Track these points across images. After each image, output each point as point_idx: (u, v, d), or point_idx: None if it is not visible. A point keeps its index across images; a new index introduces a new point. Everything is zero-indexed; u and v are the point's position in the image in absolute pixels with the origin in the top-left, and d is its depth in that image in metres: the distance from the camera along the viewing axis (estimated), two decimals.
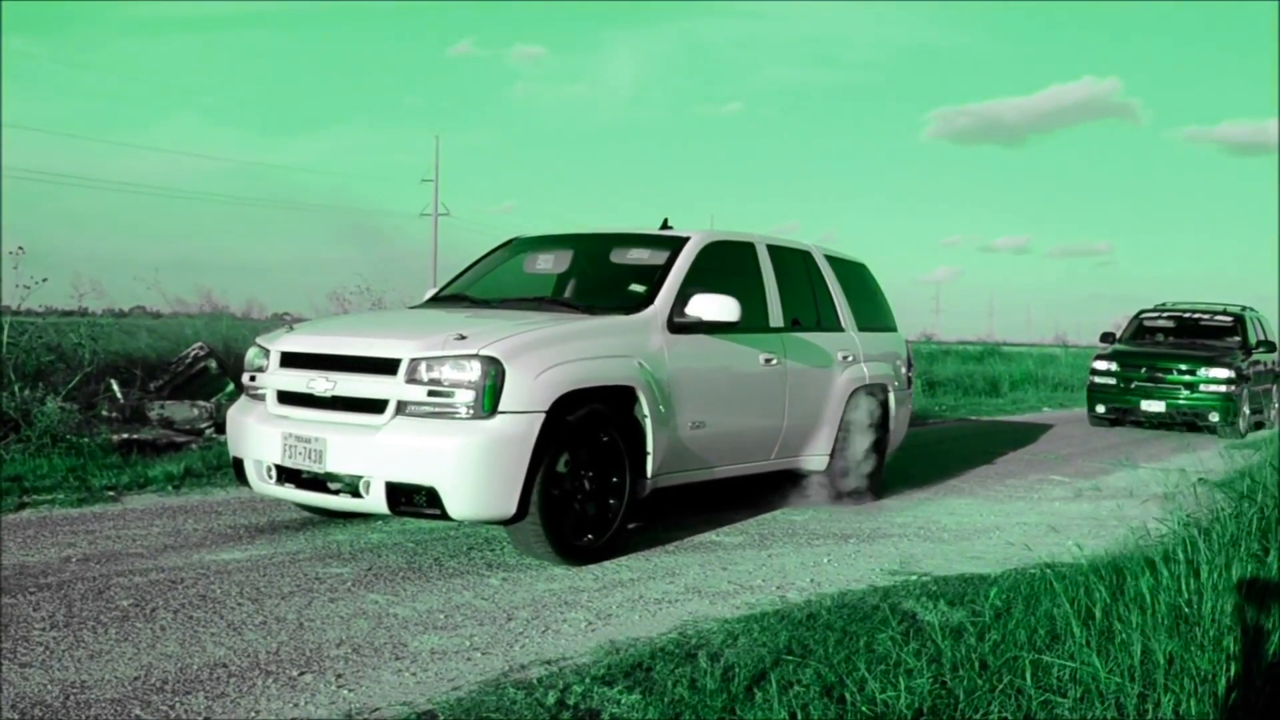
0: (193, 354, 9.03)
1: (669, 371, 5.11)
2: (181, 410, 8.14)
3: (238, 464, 4.94)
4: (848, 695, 2.89)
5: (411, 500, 4.32)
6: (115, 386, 8.28)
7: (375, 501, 4.37)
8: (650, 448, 4.96)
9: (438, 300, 6.10)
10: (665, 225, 6.19)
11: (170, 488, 6.20)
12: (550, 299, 5.73)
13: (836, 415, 6.46)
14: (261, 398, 4.89)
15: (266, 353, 4.92)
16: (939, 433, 12.23)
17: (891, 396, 7.05)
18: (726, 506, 6.32)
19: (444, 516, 4.31)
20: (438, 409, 4.34)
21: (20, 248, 8.84)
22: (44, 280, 8.94)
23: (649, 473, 4.99)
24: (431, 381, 4.35)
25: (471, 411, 4.30)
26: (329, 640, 3.49)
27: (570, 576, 4.50)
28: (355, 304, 12.44)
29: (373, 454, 4.32)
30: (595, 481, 4.76)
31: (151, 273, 15.23)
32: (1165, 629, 3.27)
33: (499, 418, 4.30)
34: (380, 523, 5.38)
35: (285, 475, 4.66)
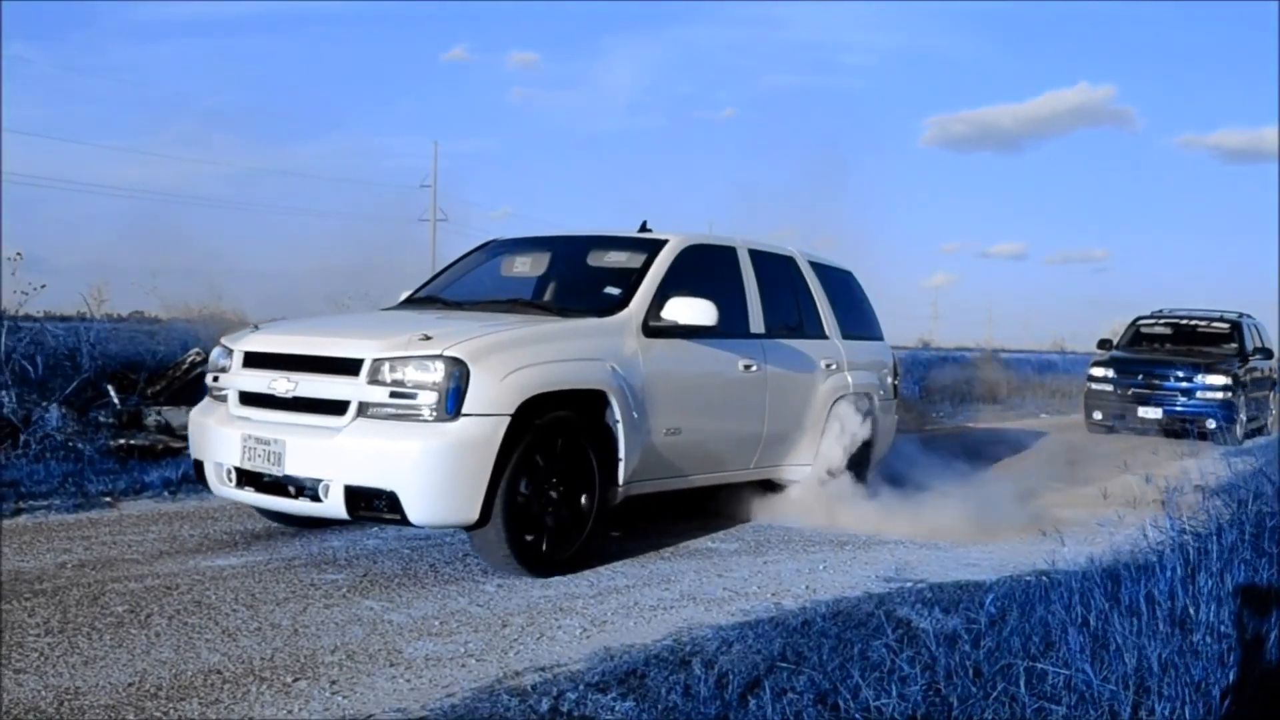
0: (190, 359, 9.04)
1: (643, 376, 4.98)
2: (179, 416, 8.13)
3: (198, 466, 4.81)
4: (841, 702, 2.89)
5: (371, 505, 4.18)
6: (113, 392, 8.27)
7: (334, 506, 4.23)
8: (622, 454, 4.82)
9: (410, 302, 5.97)
10: (644, 227, 6.05)
11: (167, 493, 6.21)
12: (524, 301, 5.58)
13: (819, 424, 6.34)
14: (224, 399, 4.75)
15: (230, 353, 4.79)
16: (936, 439, 12.22)
17: (876, 405, 6.93)
18: (722, 513, 6.32)
19: (404, 522, 4.17)
20: (400, 411, 4.23)
21: (19, 254, 8.89)
22: (43, 286, 8.99)
23: (620, 480, 4.86)
24: (394, 383, 4.24)
25: (434, 413, 4.18)
26: (324, 646, 3.49)
27: (565, 583, 4.50)
28: (354, 309, 12.45)
29: (332, 456, 4.21)
30: (563, 489, 4.60)
31: (150, 278, 15.20)
32: (1160, 636, 3.28)
33: (462, 420, 4.19)
34: (376, 529, 5.38)
35: (245, 478, 4.52)
